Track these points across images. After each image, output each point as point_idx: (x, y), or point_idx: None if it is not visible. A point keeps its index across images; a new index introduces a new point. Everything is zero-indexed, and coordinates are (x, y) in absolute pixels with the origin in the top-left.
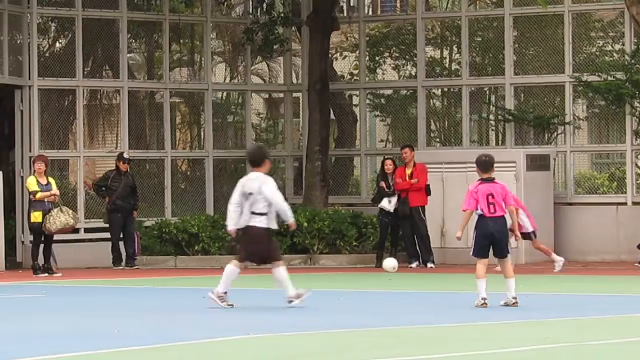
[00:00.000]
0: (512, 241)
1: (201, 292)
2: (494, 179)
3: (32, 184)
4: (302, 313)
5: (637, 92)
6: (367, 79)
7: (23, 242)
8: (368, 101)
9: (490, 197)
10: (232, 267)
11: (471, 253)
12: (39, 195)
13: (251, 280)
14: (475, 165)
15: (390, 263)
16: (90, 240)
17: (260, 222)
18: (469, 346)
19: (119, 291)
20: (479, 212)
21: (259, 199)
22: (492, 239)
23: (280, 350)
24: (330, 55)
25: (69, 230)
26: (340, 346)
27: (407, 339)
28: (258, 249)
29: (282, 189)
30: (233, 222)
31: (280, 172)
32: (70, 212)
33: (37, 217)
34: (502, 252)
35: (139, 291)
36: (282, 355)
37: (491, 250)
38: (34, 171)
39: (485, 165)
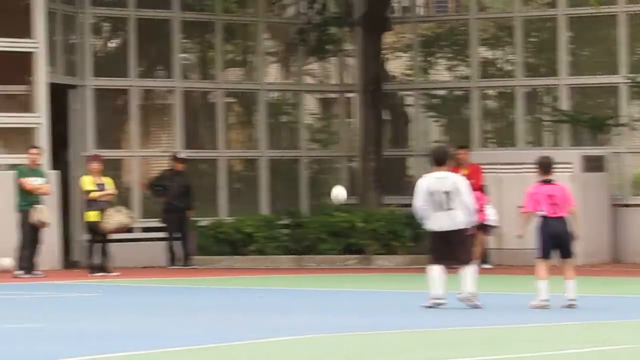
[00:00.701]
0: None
1: (255, 292)
2: (553, 180)
3: (87, 183)
4: (356, 313)
5: None
6: (420, 79)
7: (79, 241)
8: (421, 101)
9: (552, 198)
10: (473, 268)
11: (536, 254)
12: (93, 195)
13: (306, 281)
14: (531, 166)
15: (337, 193)
16: (146, 240)
17: (463, 224)
18: (527, 347)
19: (174, 290)
20: (541, 213)
21: (455, 197)
22: (557, 239)
23: (334, 350)
24: (383, 55)
25: (124, 229)
26: (393, 346)
27: (463, 339)
28: (456, 249)
29: None
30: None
31: (334, 172)
32: (126, 211)
33: (92, 216)
34: (567, 253)
35: (194, 290)
36: (335, 356)
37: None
38: (89, 170)
39: (547, 166)
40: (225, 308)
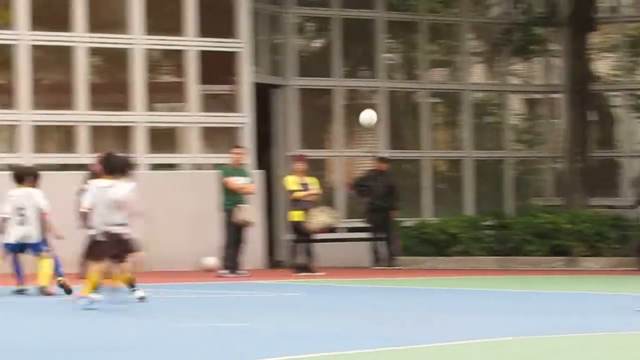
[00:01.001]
0: None
1: (459, 293)
2: None
3: (291, 182)
4: (561, 315)
5: None
6: (627, 79)
7: (283, 241)
8: (628, 102)
9: None
10: None
11: None
12: (297, 194)
13: (511, 282)
14: None
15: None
16: (350, 240)
17: None
18: None
19: (377, 291)
20: None
21: None
22: None
23: (539, 351)
24: (589, 56)
25: (328, 229)
26: (596, 348)
27: None
28: None
29: (542, 190)
30: None
31: (539, 173)
32: (330, 211)
33: (297, 215)
34: None
35: (397, 291)
36: (541, 357)
37: None
38: (293, 170)
39: None
40: (429, 309)
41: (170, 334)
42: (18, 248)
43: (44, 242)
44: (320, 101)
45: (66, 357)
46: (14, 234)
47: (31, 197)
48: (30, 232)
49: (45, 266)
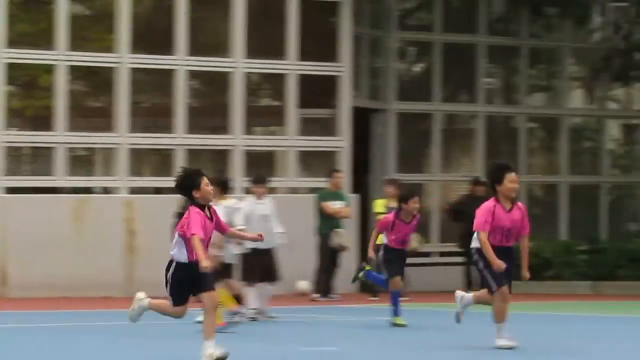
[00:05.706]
0: None
1: (549, 317)
2: None
3: (379, 205)
4: None
5: None
6: None
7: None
8: None
9: None
10: None
11: None
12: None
13: (603, 308)
14: None
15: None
16: (443, 264)
17: None
18: None
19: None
20: None
21: None
22: None
23: None
24: None
25: (414, 253)
26: None
27: None
28: None
29: (637, 215)
30: None
31: (635, 198)
32: (415, 235)
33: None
34: None
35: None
36: None
37: None
38: (385, 194)
39: None
40: (558, 336)
41: (261, 357)
42: None
43: None
44: (418, 125)
45: None
46: None
47: None
48: None
49: None
